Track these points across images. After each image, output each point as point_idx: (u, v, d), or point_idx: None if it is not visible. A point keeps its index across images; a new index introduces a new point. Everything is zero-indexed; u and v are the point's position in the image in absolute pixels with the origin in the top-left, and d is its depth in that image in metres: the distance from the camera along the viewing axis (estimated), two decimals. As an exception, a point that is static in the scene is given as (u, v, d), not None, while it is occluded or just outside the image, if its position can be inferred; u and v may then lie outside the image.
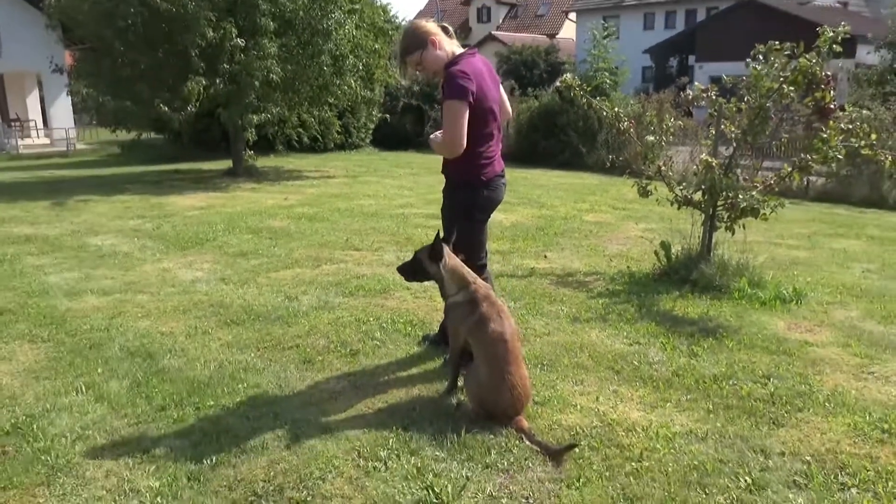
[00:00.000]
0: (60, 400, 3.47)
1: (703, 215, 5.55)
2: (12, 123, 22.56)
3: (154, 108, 11.73)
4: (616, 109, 6.01)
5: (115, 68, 12.23)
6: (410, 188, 11.70)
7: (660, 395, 3.47)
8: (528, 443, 2.95)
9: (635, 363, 3.87)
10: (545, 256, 6.54)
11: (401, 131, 20.70)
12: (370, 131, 20.64)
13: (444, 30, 3.57)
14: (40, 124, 24.40)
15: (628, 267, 6.03)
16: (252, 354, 4.04)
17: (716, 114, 5.64)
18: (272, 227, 8.12)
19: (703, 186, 5.38)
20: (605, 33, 19.45)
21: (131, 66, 12.02)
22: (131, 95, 12.04)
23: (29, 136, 23.03)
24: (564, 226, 8.16)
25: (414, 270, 3.41)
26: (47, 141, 22.87)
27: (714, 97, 5.58)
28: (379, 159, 17.91)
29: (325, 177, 13.82)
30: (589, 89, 6.14)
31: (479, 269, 3.60)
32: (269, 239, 7.37)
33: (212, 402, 3.41)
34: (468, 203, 3.57)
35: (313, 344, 4.19)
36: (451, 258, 3.31)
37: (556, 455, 2.85)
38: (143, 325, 4.57)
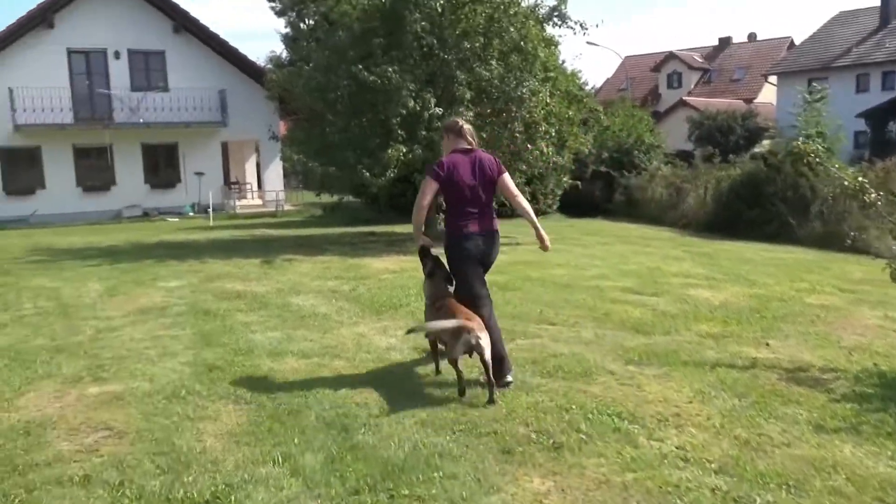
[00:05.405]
0: (258, 470, 3.42)
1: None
2: (232, 186, 25.13)
3: (357, 173, 12.33)
4: (860, 179, 5.24)
5: (324, 136, 13.08)
6: (602, 258, 11.16)
7: (955, 545, 2.72)
8: None
9: (911, 495, 3.11)
10: (767, 344, 5.74)
11: (589, 198, 20.21)
12: (557, 198, 20.39)
13: (459, 130, 4.79)
14: (255, 187, 27.02)
15: (875, 364, 5.11)
16: (447, 437, 3.77)
17: None
18: (463, 294, 7.98)
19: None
20: (819, 95, 17.94)
21: (338, 135, 12.77)
22: (337, 161, 12.76)
23: (245, 198, 25.53)
24: (783, 308, 7.22)
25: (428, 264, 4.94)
26: (260, 202, 25.23)
27: None
28: (567, 226, 17.54)
29: (513, 243, 13.68)
30: (796, 154, 5.42)
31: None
32: (460, 307, 7.21)
33: (406, 492, 3.17)
34: (449, 251, 4.76)
35: (511, 431, 3.84)
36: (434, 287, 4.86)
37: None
38: (340, 394, 4.49)
